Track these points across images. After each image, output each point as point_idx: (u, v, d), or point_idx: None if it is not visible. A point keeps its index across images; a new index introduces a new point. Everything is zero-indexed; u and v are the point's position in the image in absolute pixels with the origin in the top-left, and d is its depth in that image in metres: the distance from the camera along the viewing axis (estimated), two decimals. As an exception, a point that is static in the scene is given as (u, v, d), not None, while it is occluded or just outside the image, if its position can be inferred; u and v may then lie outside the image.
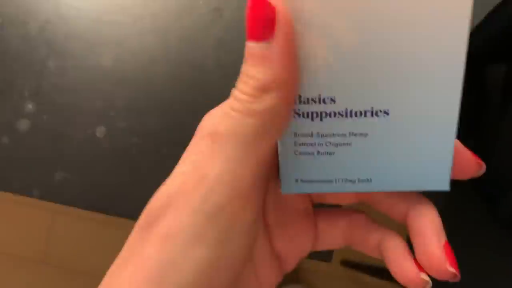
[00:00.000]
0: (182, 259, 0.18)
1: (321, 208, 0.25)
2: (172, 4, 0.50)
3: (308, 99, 0.20)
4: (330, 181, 0.22)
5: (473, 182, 0.82)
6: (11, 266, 1.34)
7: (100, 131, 0.48)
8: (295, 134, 0.21)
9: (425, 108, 0.20)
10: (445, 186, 0.22)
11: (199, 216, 0.18)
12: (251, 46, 0.18)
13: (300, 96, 0.20)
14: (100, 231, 1.26)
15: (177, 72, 0.49)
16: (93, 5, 0.50)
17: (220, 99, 0.47)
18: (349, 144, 0.21)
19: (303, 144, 0.21)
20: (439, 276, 0.21)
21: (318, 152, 0.21)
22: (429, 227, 0.22)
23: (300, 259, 0.25)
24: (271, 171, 0.22)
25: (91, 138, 0.48)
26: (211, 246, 0.18)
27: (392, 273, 0.22)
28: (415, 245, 0.22)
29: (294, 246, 0.24)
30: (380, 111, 0.20)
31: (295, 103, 0.20)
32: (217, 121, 0.19)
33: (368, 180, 0.22)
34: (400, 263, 0.22)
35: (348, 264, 1.26)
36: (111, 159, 0.48)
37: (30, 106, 0.49)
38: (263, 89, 0.18)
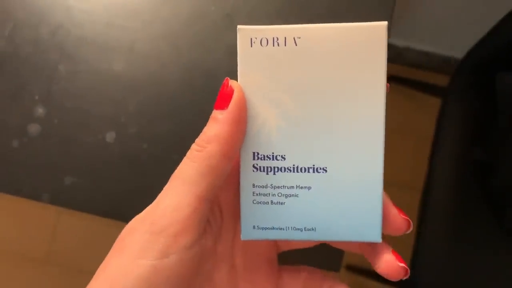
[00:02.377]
0: (131, 268, 0.23)
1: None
2: (184, 10, 0.49)
3: (264, 156, 0.25)
4: (282, 229, 0.26)
5: (482, 192, 0.81)
6: (15, 265, 1.35)
7: (110, 136, 0.48)
8: (253, 185, 0.26)
9: (355, 168, 0.25)
10: (377, 238, 0.25)
11: (146, 235, 0.23)
12: (213, 112, 0.25)
13: (257, 153, 0.25)
14: (104, 231, 1.26)
15: (188, 77, 0.49)
16: (104, 9, 0.50)
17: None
18: (297, 195, 0.25)
19: (259, 194, 0.26)
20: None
21: (272, 202, 0.26)
22: None
23: None
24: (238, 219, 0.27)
25: (101, 143, 0.48)
26: (153, 259, 0.23)
27: None
28: None
29: None
30: (320, 168, 0.25)
31: (253, 158, 0.25)
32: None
33: (313, 229, 0.26)
34: None
35: (354, 269, 1.25)
36: (120, 164, 0.47)
37: (40, 111, 0.49)
38: (207, 141, 0.24)
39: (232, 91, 0.24)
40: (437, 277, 0.79)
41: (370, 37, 0.24)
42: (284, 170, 0.25)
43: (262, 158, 0.25)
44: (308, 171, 0.25)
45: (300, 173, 0.25)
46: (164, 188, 0.25)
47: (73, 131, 0.48)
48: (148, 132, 0.48)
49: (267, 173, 0.25)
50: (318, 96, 0.24)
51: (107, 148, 0.48)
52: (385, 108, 0.24)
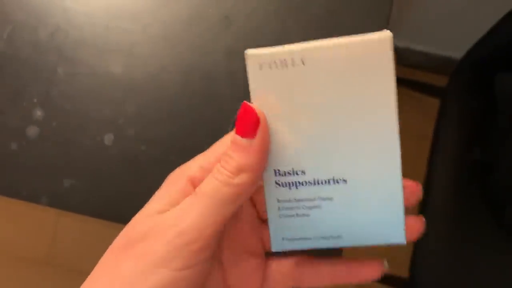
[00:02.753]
0: (150, 275, 0.24)
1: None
2: (182, 12, 0.50)
3: (285, 172, 0.26)
4: (309, 238, 0.27)
5: (481, 191, 0.81)
6: (15, 266, 1.35)
7: (109, 139, 0.48)
8: (278, 200, 0.27)
9: (373, 176, 0.25)
10: (401, 239, 0.27)
11: (170, 246, 0.24)
12: (238, 139, 0.25)
13: (278, 170, 0.26)
14: (104, 232, 1.26)
15: (187, 80, 0.49)
16: (102, 12, 0.50)
17: (229, 107, 0.47)
18: (319, 207, 0.26)
19: (284, 208, 0.27)
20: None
21: (297, 214, 0.27)
22: None
23: None
24: (229, 221, 0.27)
25: (99, 145, 0.48)
26: (174, 269, 0.24)
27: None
28: None
29: (244, 283, 0.29)
30: (340, 179, 0.26)
31: (275, 175, 0.27)
32: (204, 180, 0.26)
33: (338, 236, 0.27)
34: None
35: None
36: (119, 166, 0.48)
37: (39, 113, 0.49)
38: (240, 170, 0.25)
39: (258, 119, 0.25)
40: (437, 277, 0.79)
41: (376, 50, 0.25)
42: (305, 184, 0.26)
43: (283, 174, 0.27)
44: (329, 183, 0.26)
45: (320, 185, 0.26)
46: (187, 201, 0.26)
47: (72, 134, 0.48)
48: (146, 134, 0.48)
49: (290, 188, 0.27)
50: (330, 112, 0.25)
51: (105, 150, 0.48)
52: (397, 116, 0.25)
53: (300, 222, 0.27)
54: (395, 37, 1.07)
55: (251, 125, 0.25)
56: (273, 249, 0.28)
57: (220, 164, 0.26)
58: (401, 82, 1.28)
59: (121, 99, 0.48)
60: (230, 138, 0.26)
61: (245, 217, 0.30)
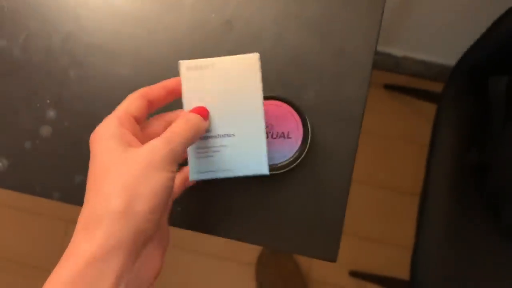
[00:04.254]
0: (157, 174, 0.35)
1: None
2: (185, 18, 0.53)
3: None
4: (213, 171, 0.42)
5: (479, 193, 0.83)
6: (26, 275, 1.37)
7: (117, 137, 0.51)
8: (197, 147, 0.42)
9: (249, 132, 0.42)
10: (265, 171, 0.42)
11: (166, 158, 0.36)
12: (192, 114, 0.40)
13: None
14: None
15: (190, 81, 0.51)
16: (111, 18, 0.53)
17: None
18: (219, 151, 0.42)
19: (199, 152, 0.42)
20: None
21: (207, 156, 0.42)
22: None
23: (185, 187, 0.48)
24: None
25: (109, 143, 0.50)
26: (169, 171, 0.36)
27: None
28: None
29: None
30: (231, 134, 0.42)
31: None
32: (165, 132, 0.39)
33: (229, 169, 0.42)
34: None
35: (357, 274, 1.27)
36: (127, 163, 0.50)
37: (51, 113, 0.52)
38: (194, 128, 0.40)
39: (207, 112, 0.42)
40: (437, 278, 0.81)
41: (249, 62, 0.42)
42: (212, 137, 0.42)
43: None
44: (224, 137, 0.42)
45: (220, 138, 0.42)
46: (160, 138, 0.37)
47: (83, 133, 0.51)
48: (153, 132, 0.50)
49: (204, 140, 0.42)
50: (225, 95, 0.42)
51: (114, 148, 0.50)
52: (261, 98, 0.42)
53: (208, 161, 0.42)
54: (394, 46, 1.09)
55: (205, 113, 0.41)
56: (190, 179, 0.43)
57: (176, 124, 0.38)
58: (401, 90, 1.30)
59: (129, 99, 0.51)
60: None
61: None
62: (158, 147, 0.36)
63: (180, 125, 0.38)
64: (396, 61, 1.27)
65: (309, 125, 0.48)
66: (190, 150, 0.42)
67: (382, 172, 1.32)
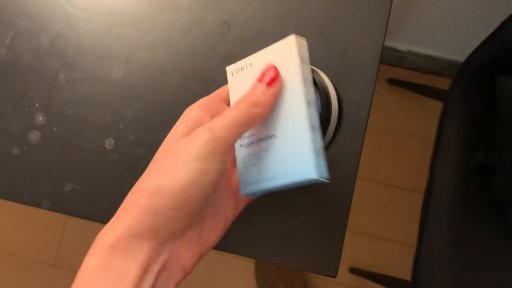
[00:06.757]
0: (189, 165, 0.32)
1: None
2: (181, 18, 0.50)
3: (244, 136, 0.38)
4: (258, 181, 0.37)
5: (484, 193, 0.81)
6: (25, 269, 1.36)
7: (109, 143, 0.48)
8: (242, 157, 0.38)
9: (292, 132, 0.35)
10: (313, 175, 0.34)
11: (203, 147, 0.33)
12: (260, 85, 0.36)
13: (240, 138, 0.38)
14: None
15: (186, 84, 0.49)
16: (103, 18, 0.50)
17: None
18: (262, 157, 0.37)
19: (244, 161, 0.38)
20: None
21: (251, 165, 0.37)
22: None
23: (248, 201, 0.41)
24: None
25: (100, 149, 0.48)
26: (205, 162, 0.32)
27: None
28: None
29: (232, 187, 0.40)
30: (272, 135, 0.36)
31: (239, 140, 0.39)
32: (226, 110, 0.35)
33: (274, 177, 0.36)
34: None
35: (357, 272, 1.25)
36: (119, 170, 0.48)
37: (40, 118, 0.49)
38: (257, 104, 0.35)
39: (278, 74, 0.36)
40: (440, 279, 0.79)
41: (286, 50, 0.36)
42: (254, 143, 0.37)
43: (243, 138, 0.39)
44: (266, 140, 0.36)
45: (261, 141, 0.37)
46: (214, 120, 0.34)
47: (73, 138, 0.49)
48: (146, 138, 0.48)
49: (247, 147, 0.38)
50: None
51: (106, 155, 0.48)
52: (304, 93, 0.35)
53: (253, 170, 0.37)
54: (399, 41, 1.06)
55: (272, 78, 0.35)
56: (240, 193, 0.38)
57: (240, 100, 0.35)
58: (406, 85, 1.27)
59: (121, 104, 0.49)
60: (226, 87, 0.41)
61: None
62: (198, 134, 0.33)
63: (228, 110, 0.35)
64: (400, 55, 1.24)
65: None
66: (237, 162, 0.39)
67: (385, 167, 1.30)
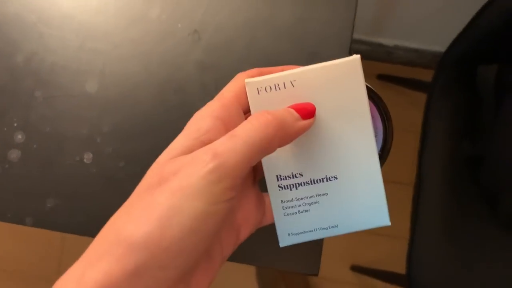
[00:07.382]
0: (185, 207, 0.25)
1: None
2: (152, 30, 0.51)
3: (285, 176, 0.31)
4: (311, 231, 0.32)
5: (473, 183, 0.81)
6: (25, 284, 1.36)
7: (88, 157, 0.49)
8: (282, 201, 0.31)
9: (359, 171, 0.30)
10: (386, 222, 0.31)
11: (205, 181, 0.25)
12: (296, 114, 0.29)
13: (280, 176, 0.31)
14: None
15: (160, 95, 0.50)
16: (75, 34, 0.51)
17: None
18: (317, 202, 0.31)
19: (287, 207, 0.31)
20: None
21: (299, 212, 0.31)
22: None
23: (251, 232, 0.33)
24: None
25: (79, 164, 0.49)
26: (206, 203, 0.25)
27: None
28: None
29: (249, 219, 0.32)
30: (332, 177, 0.31)
31: (277, 180, 0.31)
32: (239, 126, 0.28)
33: (335, 226, 0.31)
34: None
35: (359, 269, 1.25)
36: (99, 183, 0.49)
37: (20, 137, 0.50)
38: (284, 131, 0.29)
39: (314, 110, 0.30)
40: (434, 270, 0.79)
41: (348, 70, 0.30)
42: (304, 184, 0.31)
43: (284, 178, 0.31)
44: (323, 181, 0.31)
45: (316, 184, 0.31)
46: (222, 141, 0.26)
47: (52, 155, 0.49)
48: (124, 150, 0.49)
49: (291, 189, 0.31)
50: (318, 122, 0.30)
51: (85, 169, 0.49)
52: (371, 121, 0.30)
53: (302, 218, 0.32)
54: (384, 36, 1.07)
55: (310, 111, 0.29)
56: (281, 245, 0.33)
57: (260, 113, 0.28)
58: (394, 80, 1.28)
59: (97, 118, 0.49)
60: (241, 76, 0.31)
61: None
62: (198, 160, 0.26)
63: (240, 127, 0.27)
64: (387, 50, 1.24)
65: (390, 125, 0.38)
66: (274, 206, 0.32)
67: (380, 163, 1.30)
